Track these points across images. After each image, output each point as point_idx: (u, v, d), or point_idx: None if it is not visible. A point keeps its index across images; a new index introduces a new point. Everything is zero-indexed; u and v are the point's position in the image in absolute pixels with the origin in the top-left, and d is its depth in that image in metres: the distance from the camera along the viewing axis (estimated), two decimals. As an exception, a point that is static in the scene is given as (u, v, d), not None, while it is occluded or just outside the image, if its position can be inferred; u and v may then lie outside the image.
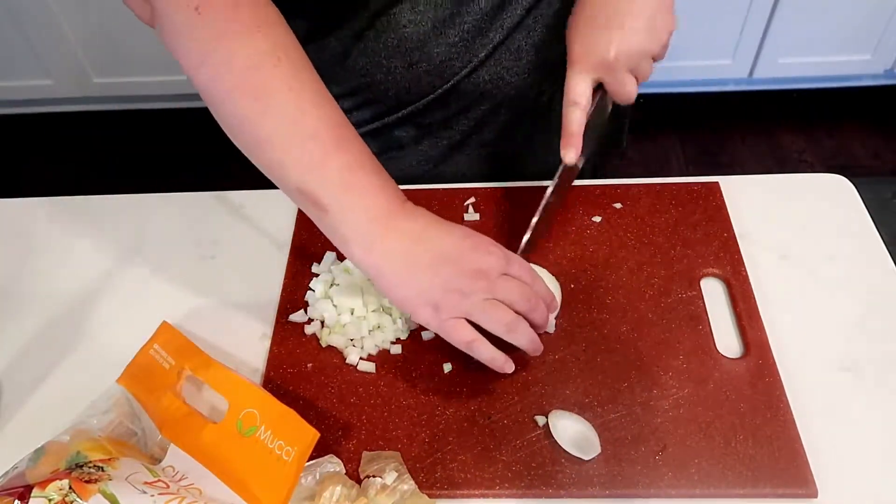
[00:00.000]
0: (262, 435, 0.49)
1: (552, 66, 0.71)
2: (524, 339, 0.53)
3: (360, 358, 0.59)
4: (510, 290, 0.52)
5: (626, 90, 0.58)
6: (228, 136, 0.52)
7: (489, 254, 0.52)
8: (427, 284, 0.50)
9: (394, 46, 0.66)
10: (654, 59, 0.59)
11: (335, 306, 0.61)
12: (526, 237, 0.61)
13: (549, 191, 0.61)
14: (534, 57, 0.70)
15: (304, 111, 0.50)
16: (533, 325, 0.54)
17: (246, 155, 0.52)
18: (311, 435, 0.49)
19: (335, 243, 0.53)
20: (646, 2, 0.57)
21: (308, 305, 0.63)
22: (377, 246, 0.51)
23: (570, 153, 0.59)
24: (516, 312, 0.52)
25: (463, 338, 0.51)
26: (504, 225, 0.67)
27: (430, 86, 0.70)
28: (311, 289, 0.64)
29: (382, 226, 0.51)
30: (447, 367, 0.58)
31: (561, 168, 0.61)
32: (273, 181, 0.52)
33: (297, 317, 0.62)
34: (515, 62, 0.69)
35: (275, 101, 0.49)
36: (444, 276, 0.50)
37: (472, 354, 0.53)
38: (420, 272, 0.51)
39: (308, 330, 0.61)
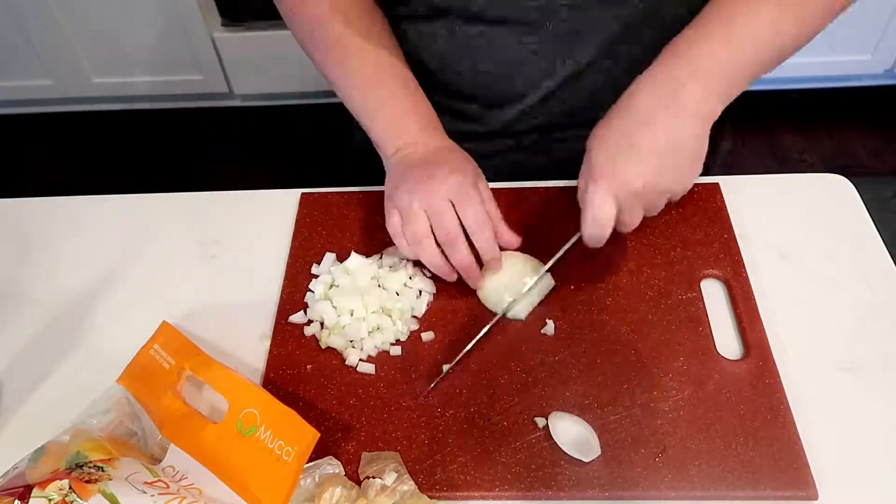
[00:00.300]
0: (262, 435, 0.49)
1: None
2: (460, 254, 0.59)
3: (360, 359, 0.59)
4: (472, 203, 0.58)
5: (633, 223, 0.57)
6: None
7: (467, 176, 0.60)
8: (411, 178, 0.60)
9: (462, 48, 0.68)
10: (670, 200, 0.58)
11: (335, 307, 0.61)
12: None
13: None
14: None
15: (356, 56, 0.66)
16: (478, 249, 0.59)
17: None
18: (311, 435, 0.49)
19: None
20: (683, 141, 0.54)
21: (308, 307, 0.63)
22: (394, 158, 0.64)
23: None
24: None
25: (419, 228, 0.58)
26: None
27: (494, 95, 0.72)
28: (310, 290, 0.64)
29: (402, 144, 0.64)
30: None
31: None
32: None
33: (297, 318, 0.62)
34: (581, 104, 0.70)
35: (329, 53, 0.67)
36: (425, 173, 0.60)
37: (418, 252, 0.59)
38: (409, 172, 0.61)
39: (308, 331, 0.61)
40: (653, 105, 0.55)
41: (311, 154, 1.90)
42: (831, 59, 1.84)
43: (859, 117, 2.00)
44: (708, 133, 0.55)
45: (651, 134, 0.54)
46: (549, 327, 0.60)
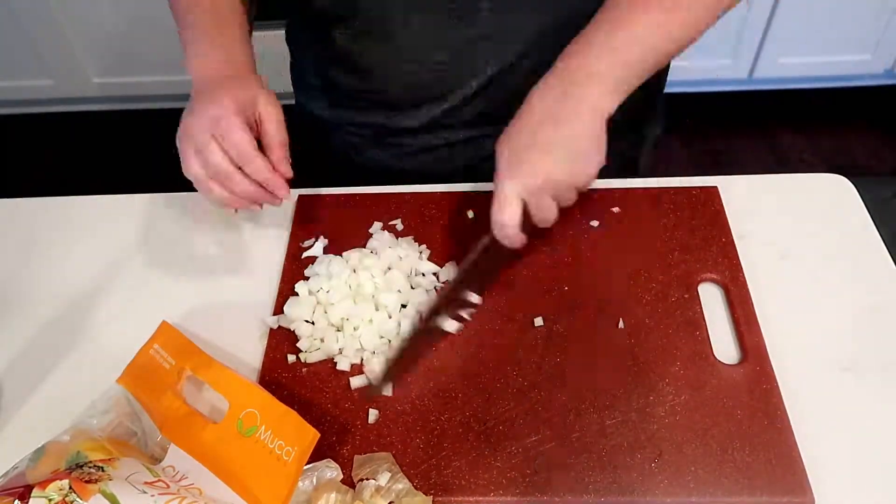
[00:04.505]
0: (262, 435, 0.49)
1: None
2: (238, 186, 0.58)
3: (351, 372, 0.59)
4: (231, 133, 0.57)
5: (547, 216, 0.58)
6: None
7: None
8: (184, 117, 0.60)
9: (393, 51, 0.69)
10: (579, 191, 0.59)
11: (312, 323, 0.61)
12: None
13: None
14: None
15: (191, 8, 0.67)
16: (253, 178, 0.59)
17: None
18: (312, 435, 0.49)
19: None
20: (580, 132, 0.57)
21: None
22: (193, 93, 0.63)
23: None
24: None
25: (192, 169, 0.58)
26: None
27: (430, 93, 0.72)
28: (295, 293, 0.63)
29: (200, 76, 0.64)
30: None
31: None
32: None
33: (283, 321, 0.62)
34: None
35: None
36: (189, 109, 0.60)
37: (204, 194, 0.59)
38: (186, 111, 0.61)
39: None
40: (552, 104, 0.58)
41: (310, 154, 1.90)
42: (831, 59, 1.84)
43: (859, 117, 2.00)
44: (605, 127, 0.58)
45: (551, 129, 0.57)
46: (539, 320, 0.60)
